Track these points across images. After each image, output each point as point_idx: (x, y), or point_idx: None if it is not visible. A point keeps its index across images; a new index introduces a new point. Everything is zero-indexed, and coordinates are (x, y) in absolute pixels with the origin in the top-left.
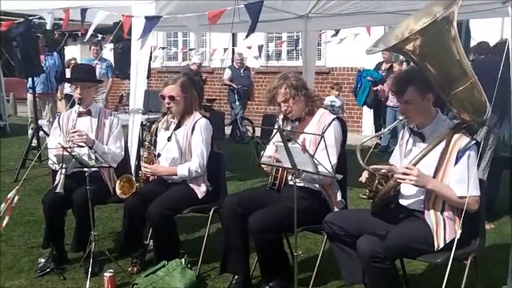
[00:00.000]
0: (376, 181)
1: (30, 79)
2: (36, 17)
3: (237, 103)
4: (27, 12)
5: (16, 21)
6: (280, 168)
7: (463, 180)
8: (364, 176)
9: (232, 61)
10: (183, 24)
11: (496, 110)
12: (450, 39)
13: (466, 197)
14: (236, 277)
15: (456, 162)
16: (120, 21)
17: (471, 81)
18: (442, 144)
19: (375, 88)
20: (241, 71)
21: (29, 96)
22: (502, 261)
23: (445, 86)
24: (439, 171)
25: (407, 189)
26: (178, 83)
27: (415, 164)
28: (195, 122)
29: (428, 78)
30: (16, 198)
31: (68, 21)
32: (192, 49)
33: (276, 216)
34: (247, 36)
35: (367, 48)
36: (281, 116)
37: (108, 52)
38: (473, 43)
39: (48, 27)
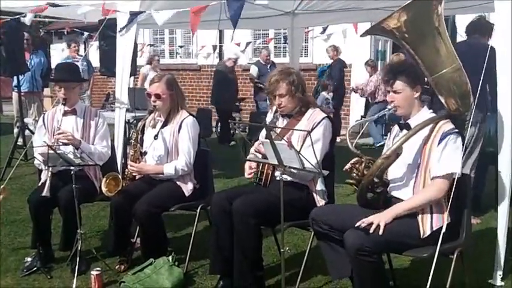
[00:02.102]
0: (363, 165)
1: (15, 77)
2: (22, 15)
3: (268, 102)
4: (10, 10)
5: (4, 20)
6: (266, 164)
7: (442, 159)
8: (350, 163)
9: (221, 57)
10: (169, 22)
11: (480, 106)
12: (435, 15)
13: (437, 176)
14: (224, 276)
15: (439, 143)
16: (105, 18)
17: (456, 64)
18: (427, 130)
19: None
20: (268, 67)
21: (15, 95)
22: (488, 255)
23: (431, 67)
24: (423, 154)
25: (396, 178)
26: (163, 80)
27: (399, 146)
28: (182, 121)
29: (417, 70)
30: (1, 196)
31: (45, 9)
32: (181, 46)
33: (261, 202)
34: (233, 30)
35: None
36: (273, 109)
37: (94, 51)
38: (459, 39)
39: (27, 23)
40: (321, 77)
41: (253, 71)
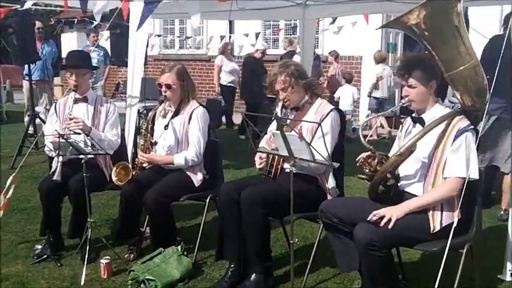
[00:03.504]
0: (376, 160)
1: (26, 66)
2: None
3: None
4: None
5: (13, 8)
6: (276, 156)
7: (457, 160)
8: (362, 157)
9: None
10: (180, 12)
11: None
12: (455, 13)
13: (450, 178)
14: (232, 265)
15: (454, 140)
16: (117, 7)
17: (475, 61)
18: (442, 126)
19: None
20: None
21: (25, 84)
22: (498, 250)
23: (449, 64)
24: (436, 151)
25: (407, 173)
26: (174, 70)
27: (413, 144)
28: (192, 111)
29: (434, 65)
30: (11, 191)
31: (67, 7)
32: (189, 37)
33: (270, 193)
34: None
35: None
36: (280, 104)
37: (104, 40)
38: (471, 32)
39: (27, 6)
40: None
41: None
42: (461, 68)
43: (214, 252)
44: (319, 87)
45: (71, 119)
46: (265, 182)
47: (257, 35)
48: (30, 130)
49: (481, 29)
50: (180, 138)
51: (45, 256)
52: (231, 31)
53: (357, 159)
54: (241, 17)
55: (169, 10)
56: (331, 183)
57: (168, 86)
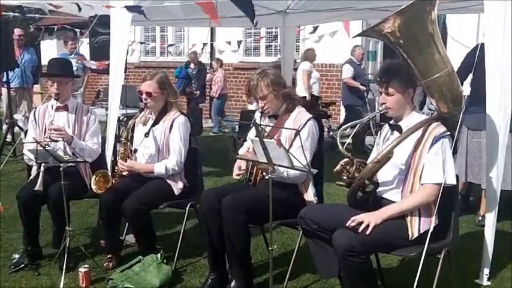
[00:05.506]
0: (354, 167)
1: (5, 73)
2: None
3: (369, 107)
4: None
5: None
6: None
7: (434, 167)
8: (340, 164)
9: (212, 56)
10: (161, 19)
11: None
12: (429, 21)
13: (427, 184)
14: (212, 273)
15: (431, 147)
16: (96, 15)
17: (449, 69)
18: (419, 133)
19: None
20: (362, 67)
21: (4, 91)
22: (475, 255)
23: (424, 71)
24: (414, 157)
25: (385, 180)
26: (155, 79)
27: (390, 150)
28: (174, 120)
29: (411, 72)
30: None
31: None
32: (171, 44)
33: (250, 200)
34: (255, 24)
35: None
36: (258, 112)
37: (83, 47)
38: (449, 40)
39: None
40: (184, 78)
41: (348, 71)
42: (437, 75)
43: (195, 260)
44: (298, 98)
45: (54, 129)
46: (246, 189)
47: (239, 42)
48: (9, 138)
49: (458, 36)
50: (161, 147)
51: (22, 265)
52: (212, 39)
53: (335, 169)
54: (223, 24)
55: (150, 17)
56: (311, 193)
57: (149, 94)
